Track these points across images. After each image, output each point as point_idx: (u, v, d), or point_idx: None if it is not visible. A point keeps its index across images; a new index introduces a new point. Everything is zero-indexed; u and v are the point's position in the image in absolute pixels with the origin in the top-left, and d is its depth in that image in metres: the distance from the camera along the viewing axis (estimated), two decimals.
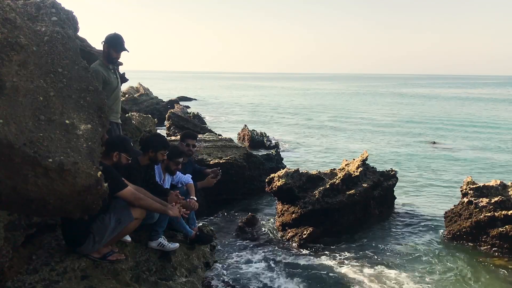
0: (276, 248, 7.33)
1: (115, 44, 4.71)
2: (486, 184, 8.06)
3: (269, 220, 8.73)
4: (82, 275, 3.53)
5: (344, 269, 6.55)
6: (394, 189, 9.55)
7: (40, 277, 3.38)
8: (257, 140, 16.03)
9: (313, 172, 8.81)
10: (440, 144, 19.67)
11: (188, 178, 5.11)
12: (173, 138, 11.35)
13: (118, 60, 4.87)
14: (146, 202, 3.78)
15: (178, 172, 5.00)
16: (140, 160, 4.35)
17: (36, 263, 3.52)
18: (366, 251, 7.25)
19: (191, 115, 21.67)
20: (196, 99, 46.35)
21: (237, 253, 7.02)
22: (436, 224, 8.68)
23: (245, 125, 17.82)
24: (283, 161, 12.66)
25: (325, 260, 6.86)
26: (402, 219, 9.01)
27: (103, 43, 4.72)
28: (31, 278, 3.35)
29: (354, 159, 9.42)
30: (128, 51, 4.82)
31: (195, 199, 4.84)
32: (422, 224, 8.75)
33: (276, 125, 26.24)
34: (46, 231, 3.99)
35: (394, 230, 8.43)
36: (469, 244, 7.58)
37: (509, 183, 8.02)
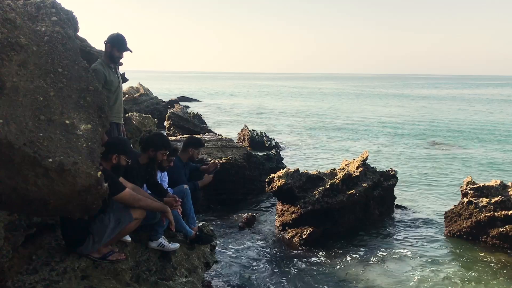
0: (276, 248, 7.33)
1: (118, 43, 4.72)
2: (486, 184, 8.06)
3: (269, 220, 8.73)
4: (82, 275, 3.53)
5: (344, 269, 6.55)
6: (394, 189, 9.55)
7: (40, 277, 3.38)
8: (257, 140, 16.00)
9: (313, 172, 8.80)
10: (440, 144, 19.68)
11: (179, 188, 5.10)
12: (173, 138, 11.35)
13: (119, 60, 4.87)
14: (145, 202, 3.78)
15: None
16: (140, 159, 4.35)
17: (36, 263, 3.52)
18: (366, 251, 7.25)
19: (191, 115, 21.64)
20: (196, 99, 46.31)
21: (237, 253, 7.02)
22: (436, 224, 8.69)
23: (245, 125, 17.78)
24: (283, 161, 12.66)
25: (325, 260, 6.86)
26: (402, 219, 9.02)
27: (105, 42, 4.73)
28: (31, 278, 3.34)
29: (354, 159, 9.42)
30: (131, 51, 4.83)
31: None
32: (422, 224, 8.76)
33: (276, 125, 26.25)
34: (46, 231, 3.98)
35: (394, 230, 8.43)
36: (469, 244, 7.58)
37: (509, 183, 8.02)
